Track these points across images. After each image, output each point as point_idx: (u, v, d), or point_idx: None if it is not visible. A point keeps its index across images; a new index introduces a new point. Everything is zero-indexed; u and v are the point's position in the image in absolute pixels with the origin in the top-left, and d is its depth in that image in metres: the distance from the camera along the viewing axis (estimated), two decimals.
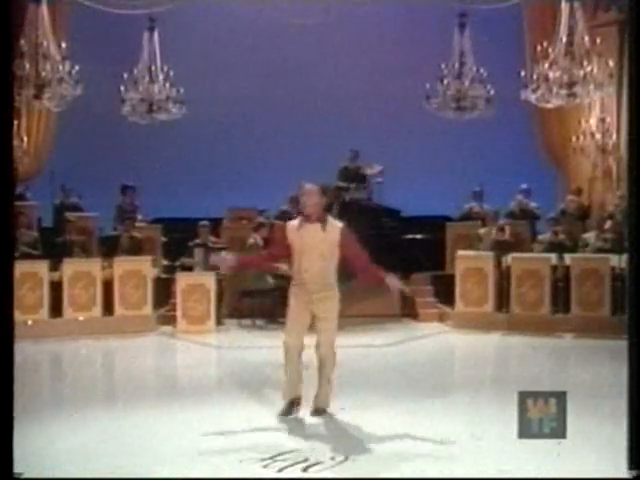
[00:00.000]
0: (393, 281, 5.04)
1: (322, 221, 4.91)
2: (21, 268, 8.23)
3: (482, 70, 11.13)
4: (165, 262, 10.77)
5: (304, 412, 5.10)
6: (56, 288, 9.04)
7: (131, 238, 10.28)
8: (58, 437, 4.61)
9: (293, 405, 5.11)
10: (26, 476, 3.78)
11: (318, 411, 5.12)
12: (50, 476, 3.93)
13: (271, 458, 4.17)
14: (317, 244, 4.88)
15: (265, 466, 4.08)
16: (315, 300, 4.92)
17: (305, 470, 4.03)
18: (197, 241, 10.25)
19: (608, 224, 9.89)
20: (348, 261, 5.01)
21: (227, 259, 5.41)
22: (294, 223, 5.02)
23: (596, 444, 4.42)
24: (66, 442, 4.49)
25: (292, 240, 4.97)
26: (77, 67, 10.25)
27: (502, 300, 9.51)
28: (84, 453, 4.29)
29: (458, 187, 11.78)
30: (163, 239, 11.22)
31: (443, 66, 11.19)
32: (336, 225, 4.95)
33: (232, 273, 9.94)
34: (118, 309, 9.33)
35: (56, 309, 9.04)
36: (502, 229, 10.34)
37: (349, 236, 4.95)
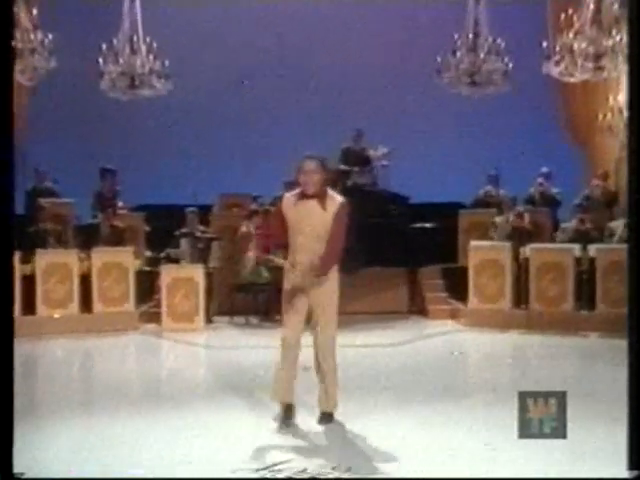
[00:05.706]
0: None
1: (321, 197, 4.86)
2: None
3: (499, 41, 11.06)
4: (149, 253, 10.80)
5: (305, 419, 5.09)
6: (28, 282, 9.04)
7: (111, 227, 10.30)
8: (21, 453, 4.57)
9: (289, 414, 5.05)
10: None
11: (325, 416, 5.06)
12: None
13: (266, 468, 4.18)
14: (314, 222, 4.84)
15: (260, 477, 4.08)
16: (309, 283, 4.86)
17: None
18: (184, 230, 10.26)
19: None
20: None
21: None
22: (291, 197, 4.98)
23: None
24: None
25: (288, 216, 4.94)
26: (51, 37, 10.21)
27: (520, 295, 9.55)
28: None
29: (471, 171, 11.78)
30: (147, 228, 11.25)
31: (456, 36, 11.13)
32: (336, 200, 4.89)
33: (222, 266, 10.00)
34: (97, 305, 9.36)
35: (28, 306, 9.03)
36: (520, 216, 10.35)
37: (341, 215, 4.87)
